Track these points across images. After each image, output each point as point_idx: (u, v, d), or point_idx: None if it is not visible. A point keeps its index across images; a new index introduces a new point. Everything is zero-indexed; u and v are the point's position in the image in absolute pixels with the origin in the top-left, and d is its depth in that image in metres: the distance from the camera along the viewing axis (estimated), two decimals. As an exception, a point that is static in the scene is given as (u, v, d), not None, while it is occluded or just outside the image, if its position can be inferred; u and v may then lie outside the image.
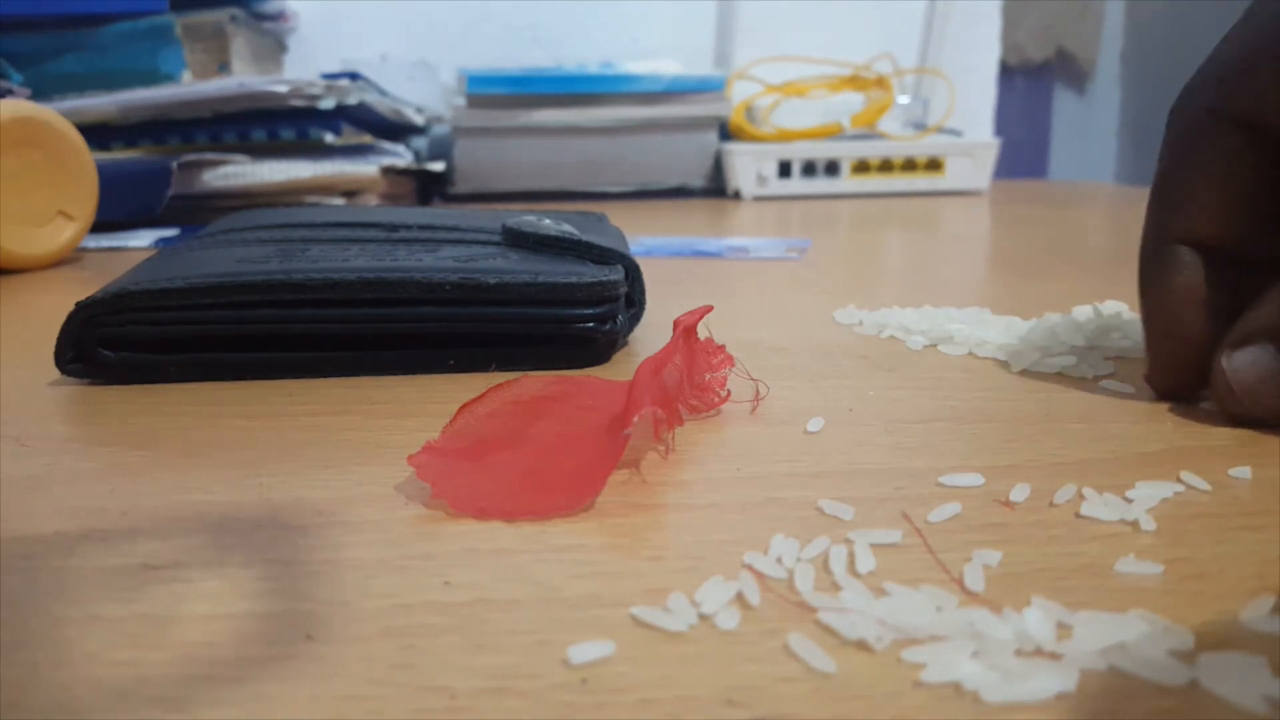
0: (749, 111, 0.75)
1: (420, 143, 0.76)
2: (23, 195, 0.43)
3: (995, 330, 0.29)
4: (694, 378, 0.23)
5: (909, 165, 0.74)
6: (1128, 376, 0.25)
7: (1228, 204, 0.22)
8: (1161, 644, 0.13)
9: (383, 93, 0.67)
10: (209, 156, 0.57)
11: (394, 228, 0.32)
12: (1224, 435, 0.21)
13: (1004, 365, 0.26)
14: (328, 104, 0.59)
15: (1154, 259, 0.23)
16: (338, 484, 0.19)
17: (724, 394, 0.23)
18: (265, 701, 0.12)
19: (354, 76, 0.63)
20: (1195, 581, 0.15)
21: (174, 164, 0.54)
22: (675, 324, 0.22)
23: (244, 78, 0.60)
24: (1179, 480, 0.18)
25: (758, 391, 0.24)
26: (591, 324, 0.26)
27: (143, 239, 0.51)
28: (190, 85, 0.59)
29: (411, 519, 0.17)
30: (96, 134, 0.55)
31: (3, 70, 0.58)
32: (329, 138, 0.59)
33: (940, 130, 0.78)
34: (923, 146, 0.74)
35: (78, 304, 0.25)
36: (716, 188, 0.76)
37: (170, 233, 0.53)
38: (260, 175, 0.57)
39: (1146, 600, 0.14)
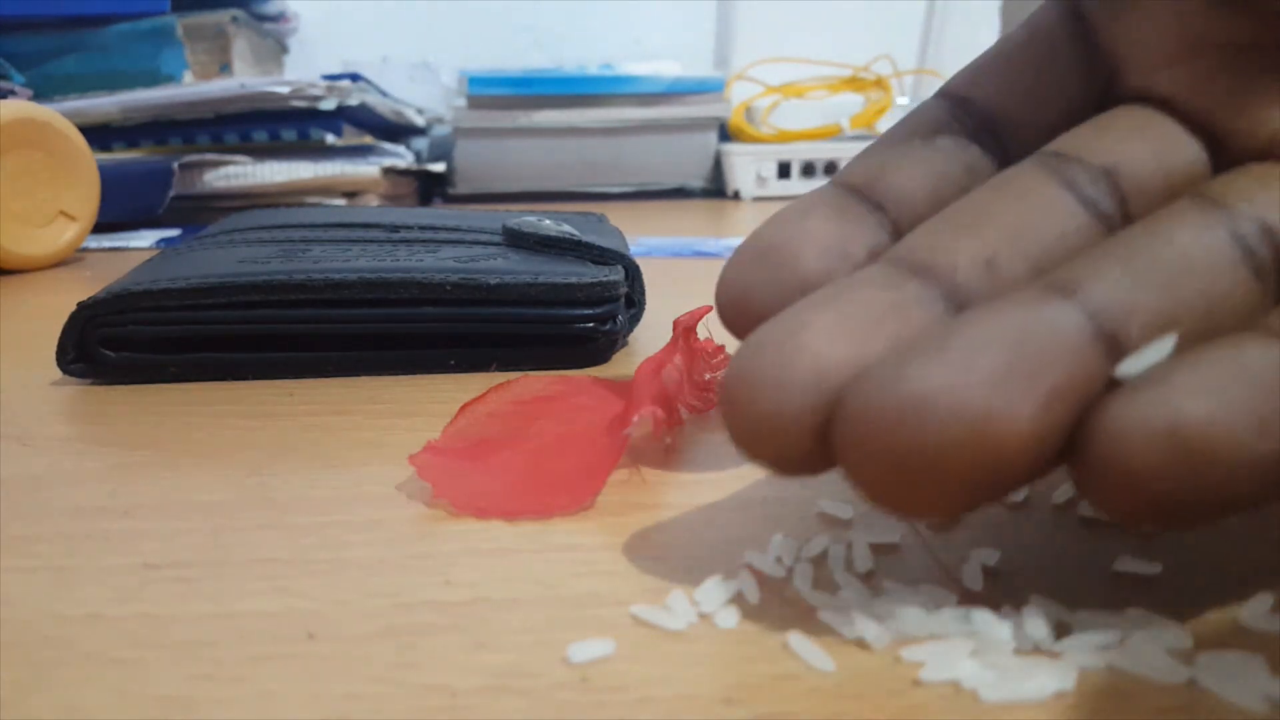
0: (748, 112, 0.75)
1: (421, 143, 0.76)
2: (24, 196, 0.43)
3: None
4: (694, 378, 0.23)
5: (909, 166, 0.74)
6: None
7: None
8: (1160, 643, 0.13)
9: (384, 94, 0.67)
10: (210, 157, 0.57)
11: (395, 228, 0.32)
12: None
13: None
14: (329, 105, 0.59)
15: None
16: (339, 483, 0.19)
17: (724, 394, 0.23)
18: (266, 700, 0.12)
19: (355, 78, 0.62)
20: (1194, 580, 0.15)
21: (175, 164, 0.54)
22: (675, 324, 0.23)
23: (245, 79, 0.60)
24: (1178, 480, 0.18)
25: (758, 392, 0.24)
26: (591, 324, 0.27)
27: (144, 239, 0.51)
28: (192, 86, 0.59)
29: (412, 518, 0.17)
30: (98, 134, 0.55)
31: (4, 71, 0.58)
32: (330, 138, 0.59)
33: (940, 131, 0.78)
34: (923, 147, 0.74)
35: (79, 304, 0.25)
36: (716, 188, 0.76)
37: (172, 233, 0.53)
38: (261, 176, 0.58)
39: (1145, 599, 0.14)
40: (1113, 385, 0.12)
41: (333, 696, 0.12)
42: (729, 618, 0.14)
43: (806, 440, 0.13)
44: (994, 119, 0.17)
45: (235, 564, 0.16)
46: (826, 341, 0.13)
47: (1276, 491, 0.12)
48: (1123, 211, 0.15)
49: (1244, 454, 0.12)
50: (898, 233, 0.16)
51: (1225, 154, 0.16)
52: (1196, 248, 0.14)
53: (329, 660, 0.13)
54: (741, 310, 0.15)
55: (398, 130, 0.69)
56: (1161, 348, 0.13)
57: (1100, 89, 0.17)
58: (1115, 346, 0.13)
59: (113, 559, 0.16)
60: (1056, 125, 0.17)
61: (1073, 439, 0.12)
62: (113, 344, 0.25)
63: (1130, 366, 0.13)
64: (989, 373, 0.12)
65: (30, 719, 0.12)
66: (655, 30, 0.90)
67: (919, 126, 0.17)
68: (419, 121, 0.73)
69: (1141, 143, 0.16)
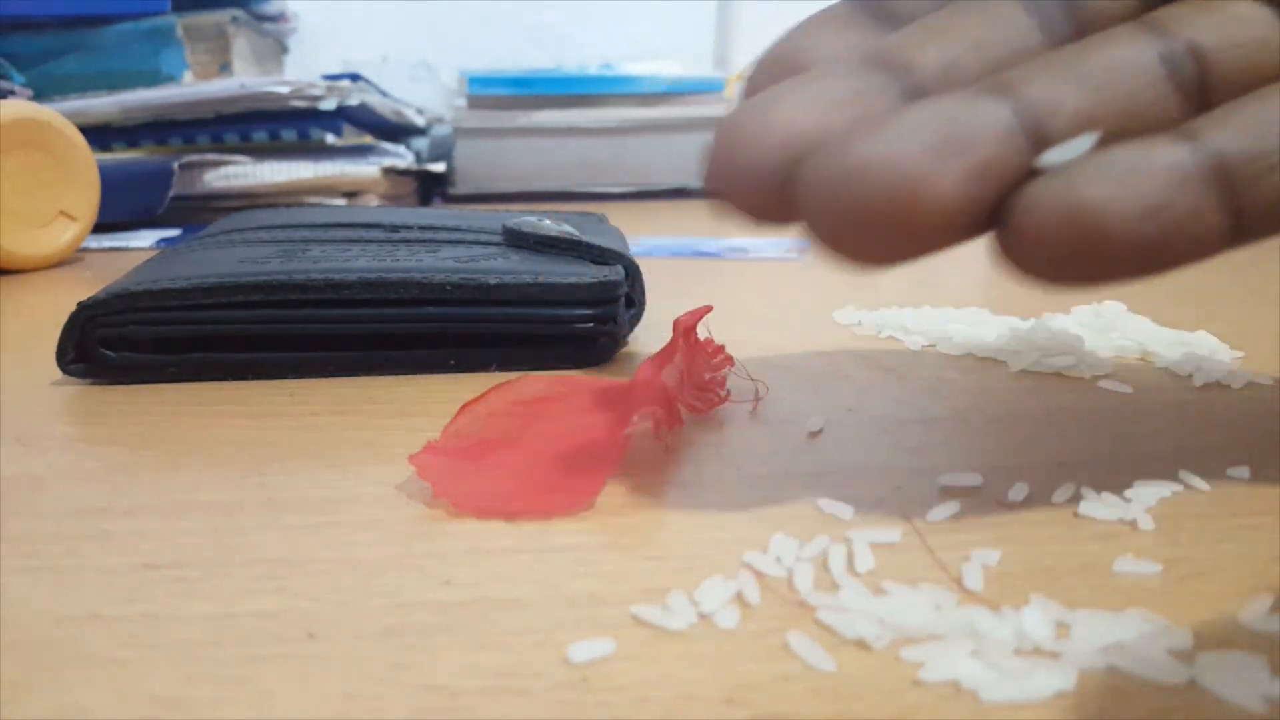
0: (749, 112, 0.75)
1: (421, 143, 0.76)
2: (24, 195, 0.43)
3: (994, 330, 0.29)
4: (694, 378, 0.23)
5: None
6: (1126, 376, 0.25)
7: None
8: (1160, 643, 0.13)
9: (384, 94, 0.67)
10: (210, 157, 0.57)
11: (395, 228, 0.32)
12: (1223, 435, 0.21)
13: (1003, 365, 0.27)
14: (329, 105, 0.59)
15: None
16: (339, 483, 0.19)
17: (724, 394, 0.23)
18: (266, 700, 0.12)
19: (355, 77, 0.62)
20: (1194, 581, 0.15)
21: (175, 164, 0.54)
22: (675, 324, 0.22)
23: (245, 78, 0.60)
24: (1178, 480, 0.18)
25: (757, 391, 0.24)
26: (592, 324, 0.27)
27: (144, 239, 0.51)
28: (192, 86, 0.59)
29: (413, 518, 0.17)
30: (98, 134, 0.55)
31: (4, 71, 0.58)
32: (330, 138, 0.59)
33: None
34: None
35: (79, 304, 0.25)
36: (717, 188, 0.76)
37: (172, 233, 0.53)
38: (261, 176, 0.57)
39: (1145, 599, 0.14)
40: (1039, 173, 0.15)
41: (333, 696, 0.12)
42: (729, 617, 0.14)
43: (772, 194, 0.15)
44: None
45: (235, 564, 0.16)
46: (795, 115, 0.15)
47: (1163, 265, 0.14)
48: (1078, 35, 0.17)
49: (1131, 234, 0.14)
50: None
51: None
52: (1125, 60, 0.16)
53: (329, 660, 0.13)
54: None
55: (398, 130, 0.69)
56: (1082, 143, 0.15)
57: None
58: (1040, 139, 0.15)
59: (113, 559, 0.16)
60: None
61: (998, 212, 0.15)
62: (113, 344, 0.25)
63: (1052, 156, 0.15)
64: (922, 146, 0.14)
65: (30, 719, 0.12)
66: (655, 30, 0.90)
67: None
68: (419, 121, 0.73)
69: None
